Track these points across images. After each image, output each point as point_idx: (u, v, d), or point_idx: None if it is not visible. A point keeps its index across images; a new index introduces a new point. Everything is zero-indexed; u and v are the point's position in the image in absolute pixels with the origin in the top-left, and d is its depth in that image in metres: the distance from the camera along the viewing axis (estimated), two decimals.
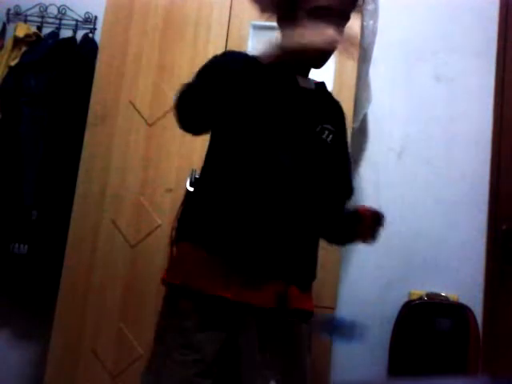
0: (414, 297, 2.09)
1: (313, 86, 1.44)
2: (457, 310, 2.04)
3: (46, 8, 2.48)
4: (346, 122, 1.53)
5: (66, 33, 2.45)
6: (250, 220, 1.28)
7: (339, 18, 1.33)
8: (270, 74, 1.33)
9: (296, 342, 1.31)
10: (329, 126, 1.39)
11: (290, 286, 1.30)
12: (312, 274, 1.40)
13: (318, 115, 1.40)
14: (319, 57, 1.35)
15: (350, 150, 1.56)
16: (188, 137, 1.99)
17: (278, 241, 1.29)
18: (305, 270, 1.36)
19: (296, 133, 1.35)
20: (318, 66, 1.40)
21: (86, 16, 2.45)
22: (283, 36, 1.39)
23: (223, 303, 1.25)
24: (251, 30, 2.05)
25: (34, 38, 2.39)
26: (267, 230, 1.28)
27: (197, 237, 1.31)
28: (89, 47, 2.35)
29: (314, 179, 1.37)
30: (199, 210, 1.35)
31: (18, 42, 2.38)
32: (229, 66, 1.27)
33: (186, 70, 2.04)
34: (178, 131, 1.99)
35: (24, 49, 2.37)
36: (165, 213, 1.96)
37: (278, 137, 1.33)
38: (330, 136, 1.39)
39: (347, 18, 1.37)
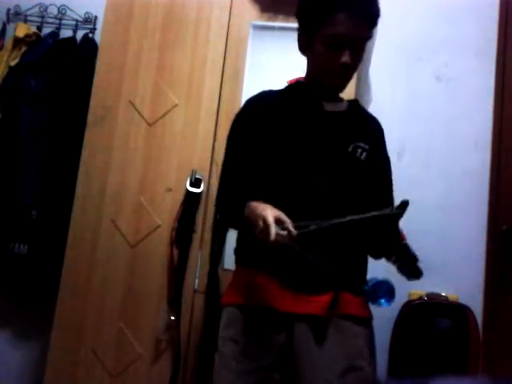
0: (414, 297, 2.09)
1: (342, 108, 1.48)
2: (457, 310, 2.03)
3: (46, 8, 2.48)
4: (382, 136, 1.52)
5: (66, 33, 2.45)
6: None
7: (355, 44, 1.36)
8: (295, 106, 1.45)
9: (351, 345, 1.33)
10: (362, 144, 1.42)
11: (341, 293, 1.34)
12: (360, 279, 1.42)
13: (349, 135, 1.43)
14: (337, 81, 1.42)
15: (389, 164, 1.52)
16: (188, 137, 2.01)
17: (319, 255, 1.32)
18: (352, 277, 1.38)
19: (326, 156, 1.38)
20: (337, 89, 1.46)
21: (86, 16, 2.45)
22: (308, 63, 1.46)
23: (275, 314, 1.32)
24: (251, 30, 2.06)
25: (34, 38, 2.39)
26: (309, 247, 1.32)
27: (248, 260, 1.41)
28: (89, 47, 2.35)
29: (348, 198, 1.40)
30: (246, 236, 1.42)
31: (18, 42, 2.38)
32: (247, 141, 1.42)
33: (186, 70, 2.05)
34: (178, 131, 2.01)
35: (24, 49, 2.37)
36: (165, 213, 1.96)
37: (308, 163, 1.37)
38: (364, 154, 1.42)
39: (364, 43, 1.39)
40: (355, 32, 1.34)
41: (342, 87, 1.45)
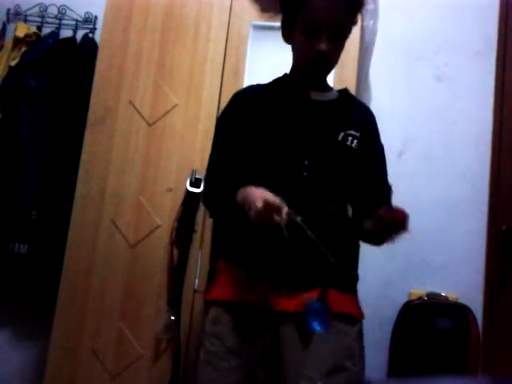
0: (414, 297, 2.09)
1: (331, 97, 1.46)
2: (457, 310, 2.03)
3: (46, 8, 2.48)
4: (374, 123, 1.50)
5: (66, 33, 2.45)
6: (279, 237, 1.29)
7: (333, 30, 1.34)
8: (281, 96, 1.44)
9: (338, 345, 1.31)
10: (352, 132, 1.40)
11: (329, 290, 1.31)
12: (351, 275, 1.41)
13: (338, 123, 1.41)
14: (315, 68, 1.40)
15: (382, 151, 1.50)
16: (188, 137, 2.01)
17: (306, 251, 1.30)
18: (339, 274, 1.35)
19: (313, 145, 1.36)
20: (317, 77, 1.45)
21: (86, 16, 2.45)
22: (292, 53, 1.45)
23: (262, 312, 1.30)
24: (251, 30, 2.06)
25: (34, 37, 2.39)
26: (295, 243, 1.29)
27: (235, 257, 1.38)
28: (89, 47, 2.35)
29: (338, 187, 1.39)
30: (232, 231, 1.41)
31: (18, 41, 2.38)
32: (233, 132, 1.42)
33: (186, 69, 2.05)
34: (178, 131, 2.01)
35: (24, 49, 2.37)
36: (165, 213, 1.96)
37: (295, 153, 1.36)
38: (355, 142, 1.40)
39: (344, 29, 1.37)
40: (332, 17, 1.32)
41: (322, 75, 1.44)
